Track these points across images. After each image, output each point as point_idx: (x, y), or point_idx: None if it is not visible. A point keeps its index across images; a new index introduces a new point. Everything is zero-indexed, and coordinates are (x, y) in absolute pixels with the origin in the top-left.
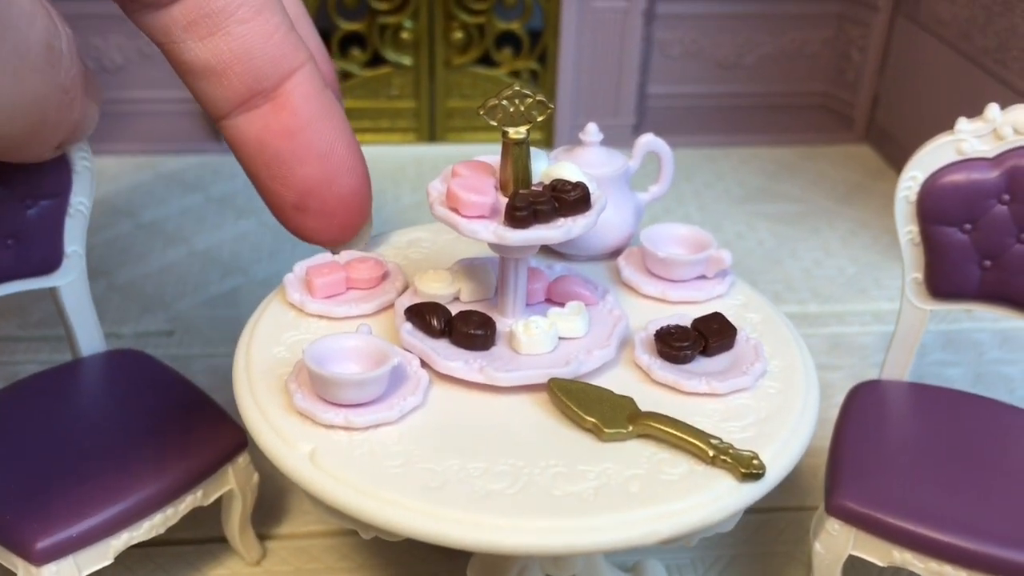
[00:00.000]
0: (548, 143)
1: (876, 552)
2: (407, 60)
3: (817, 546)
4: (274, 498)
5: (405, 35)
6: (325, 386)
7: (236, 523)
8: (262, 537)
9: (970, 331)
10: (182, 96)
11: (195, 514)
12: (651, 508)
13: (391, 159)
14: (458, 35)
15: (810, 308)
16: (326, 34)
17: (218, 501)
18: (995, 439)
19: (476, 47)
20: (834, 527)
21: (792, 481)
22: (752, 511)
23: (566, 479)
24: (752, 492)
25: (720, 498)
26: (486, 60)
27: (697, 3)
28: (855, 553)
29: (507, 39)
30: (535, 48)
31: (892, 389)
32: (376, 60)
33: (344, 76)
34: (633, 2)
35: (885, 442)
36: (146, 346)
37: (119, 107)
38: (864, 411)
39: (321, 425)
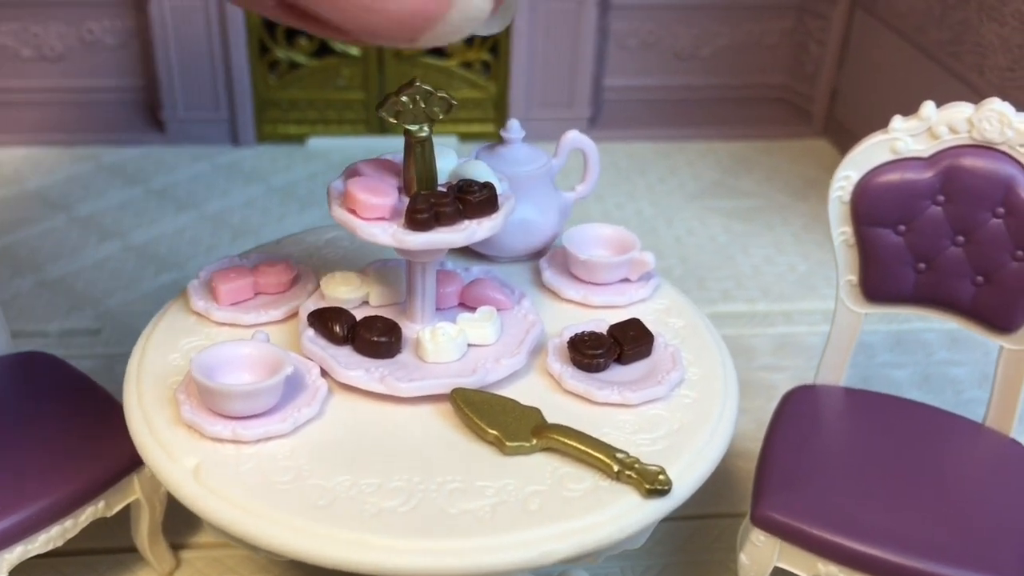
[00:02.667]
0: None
1: (801, 564)
2: (355, 50)
3: (743, 557)
4: None
5: None
6: (212, 397)
7: (145, 533)
8: (176, 547)
9: (919, 331)
10: (125, 85)
11: (104, 523)
12: (550, 527)
13: (339, 151)
14: None
15: (759, 307)
16: (270, 23)
17: (126, 510)
18: (924, 446)
19: None
20: (759, 538)
21: (727, 486)
22: (685, 518)
23: (463, 496)
24: (657, 508)
25: (623, 516)
26: (437, 51)
27: None
28: (780, 565)
29: None
30: (487, 39)
31: (826, 395)
32: (324, 50)
33: (291, 66)
34: None
35: (814, 451)
36: (71, 345)
37: (58, 95)
38: (795, 418)
39: (208, 438)
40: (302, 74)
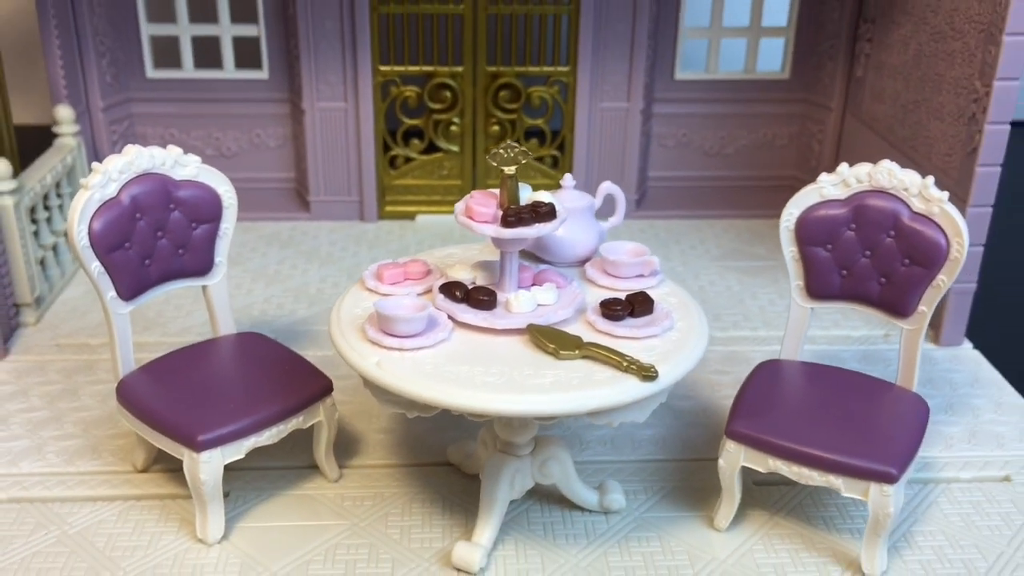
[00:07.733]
0: None
1: (758, 462)
2: (455, 148)
3: (720, 462)
4: (350, 439)
5: (454, 128)
6: (387, 322)
7: (323, 448)
8: (340, 465)
9: (884, 351)
10: (282, 176)
11: (296, 439)
12: (583, 392)
13: (441, 225)
14: (495, 128)
15: (760, 333)
16: (393, 129)
17: (311, 431)
18: (849, 394)
19: (509, 138)
20: (730, 446)
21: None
22: (693, 460)
23: (532, 377)
24: (650, 388)
25: (627, 390)
26: None
27: (687, 104)
28: (745, 464)
29: (534, 132)
30: (556, 139)
31: (786, 365)
32: (431, 148)
33: (405, 160)
34: (633, 103)
35: (770, 394)
36: None
37: (233, 184)
38: (762, 376)
39: (383, 347)
40: (414, 166)
